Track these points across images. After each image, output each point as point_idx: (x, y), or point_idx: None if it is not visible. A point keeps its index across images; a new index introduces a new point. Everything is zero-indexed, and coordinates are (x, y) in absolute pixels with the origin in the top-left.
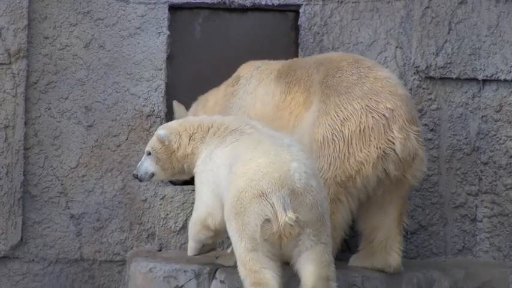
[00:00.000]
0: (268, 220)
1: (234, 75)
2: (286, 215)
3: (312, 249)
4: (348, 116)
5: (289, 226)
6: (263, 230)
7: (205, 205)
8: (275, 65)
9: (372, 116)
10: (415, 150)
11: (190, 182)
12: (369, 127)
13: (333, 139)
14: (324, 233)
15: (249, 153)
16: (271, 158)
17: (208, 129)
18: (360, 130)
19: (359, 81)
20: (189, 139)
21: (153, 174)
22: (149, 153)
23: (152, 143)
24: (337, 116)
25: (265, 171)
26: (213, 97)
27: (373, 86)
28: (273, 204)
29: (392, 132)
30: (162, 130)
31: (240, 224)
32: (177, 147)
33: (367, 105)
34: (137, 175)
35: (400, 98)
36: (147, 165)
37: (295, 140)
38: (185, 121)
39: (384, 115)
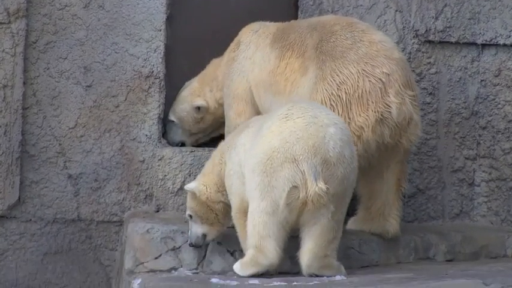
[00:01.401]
0: (296, 187)
1: (235, 40)
2: (317, 184)
3: (320, 224)
4: (344, 79)
5: (317, 196)
6: (289, 195)
7: (236, 194)
8: (271, 28)
9: (369, 80)
10: (410, 114)
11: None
12: (366, 91)
13: (331, 104)
14: (340, 210)
15: (286, 110)
16: (308, 119)
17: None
18: (358, 95)
19: (354, 45)
20: (216, 191)
21: (205, 236)
22: (190, 217)
23: (188, 204)
24: (334, 80)
25: (300, 135)
26: (219, 69)
27: (368, 50)
28: (304, 172)
29: (389, 96)
30: (189, 184)
31: (265, 183)
32: (207, 197)
33: (363, 70)
34: (192, 243)
35: (396, 62)
36: (194, 229)
37: None
38: (205, 172)
39: (380, 79)
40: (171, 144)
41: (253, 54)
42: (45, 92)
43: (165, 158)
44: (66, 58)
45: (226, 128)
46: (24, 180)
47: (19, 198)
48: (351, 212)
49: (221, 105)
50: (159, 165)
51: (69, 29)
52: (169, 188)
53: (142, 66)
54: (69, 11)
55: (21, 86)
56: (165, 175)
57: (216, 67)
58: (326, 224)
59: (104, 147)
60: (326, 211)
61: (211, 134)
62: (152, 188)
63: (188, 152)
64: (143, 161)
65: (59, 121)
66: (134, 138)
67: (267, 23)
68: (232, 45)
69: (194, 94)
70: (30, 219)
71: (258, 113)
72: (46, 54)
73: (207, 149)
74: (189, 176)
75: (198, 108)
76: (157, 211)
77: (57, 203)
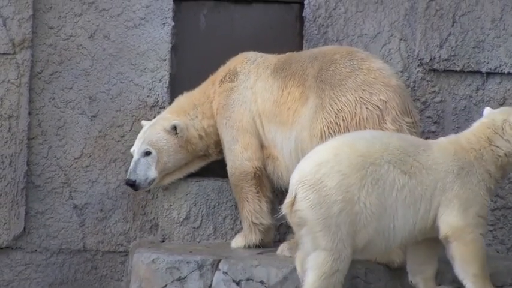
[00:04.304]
0: None
1: (230, 70)
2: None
3: (310, 255)
4: (341, 107)
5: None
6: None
7: None
8: (271, 58)
9: (366, 108)
10: None
11: (195, 173)
12: (363, 118)
13: (329, 132)
14: (324, 238)
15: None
16: (324, 153)
17: None
18: (355, 122)
19: (352, 73)
20: None
21: None
22: None
23: None
24: (332, 108)
25: (308, 159)
26: (198, 99)
27: (366, 77)
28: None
29: (386, 123)
30: None
31: None
32: None
33: (360, 97)
34: None
35: (393, 89)
36: None
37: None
38: None
39: (377, 106)
40: (140, 183)
41: (254, 84)
42: (51, 123)
43: (171, 188)
44: (71, 88)
45: (230, 163)
46: (30, 211)
47: (24, 228)
48: None
49: (209, 133)
50: (164, 195)
51: (75, 59)
52: (174, 217)
53: (148, 96)
54: (74, 41)
55: (27, 117)
56: (171, 205)
57: (189, 98)
58: (313, 252)
59: (109, 177)
60: (303, 237)
61: (182, 171)
62: (158, 218)
63: (194, 182)
64: (149, 191)
65: (64, 151)
66: None
67: (263, 54)
68: (222, 74)
69: (169, 121)
70: (36, 250)
71: (261, 144)
72: (51, 84)
73: (212, 178)
74: (195, 205)
75: (175, 128)
76: (163, 241)
77: (63, 233)
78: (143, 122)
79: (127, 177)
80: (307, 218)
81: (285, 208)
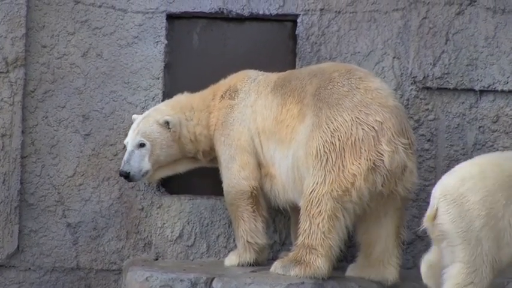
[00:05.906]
0: None
1: (231, 87)
2: None
3: (448, 267)
4: (337, 127)
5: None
6: None
7: None
8: (272, 76)
9: (362, 128)
10: (403, 162)
11: (188, 191)
12: (359, 139)
13: (324, 151)
14: (463, 251)
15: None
16: (458, 169)
17: None
18: (351, 142)
19: (350, 92)
20: None
21: None
22: None
23: None
24: (328, 127)
25: (443, 177)
26: (213, 111)
27: (363, 97)
28: None
29: (381, 144)
30: None
31: None
32: None
33: (357, 117)
34: None
35: (390, 110)
36: None
37: None
38: None
39: (373, 127)
40: (134, 175)
41: (254, 102)
42: (44, 141)
43: (164, 206)
44: (64, 107)
45: (226, 181)
46: (23, 229)
47: (18, 247)
48: (350, 259)
49: (199, 141)
50: (157, 213)
51: (68, 78)
52: (168, 236)
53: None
54: (68, 59)
55: (20, 135)
56: (164, 223)
57: (189, 99)
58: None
59: (102, 196)
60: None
61: (173, 168)
62: (151, 236)
63: (187, 200)
64: (142, 209)
65: (57, 170)
66: (133, 187)
67: (264, 73)
68: (224, 90)
69: (162, 114)
70: (29, 268)
71: (259, 163)
72: (44, 103)
73: (205, 196)
74: (188, 224)
75: (167, 123)
76: (156, 259)
77: (56, 251)
78: (134, 116)
79: (121, 168)
80: (448, 231)
81: (426, 221)
